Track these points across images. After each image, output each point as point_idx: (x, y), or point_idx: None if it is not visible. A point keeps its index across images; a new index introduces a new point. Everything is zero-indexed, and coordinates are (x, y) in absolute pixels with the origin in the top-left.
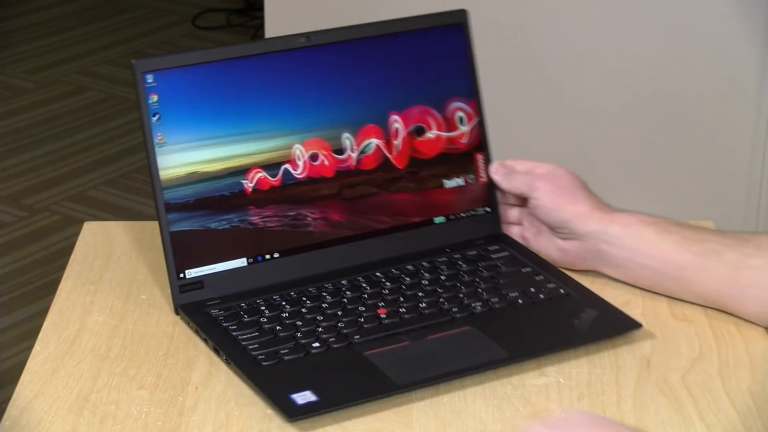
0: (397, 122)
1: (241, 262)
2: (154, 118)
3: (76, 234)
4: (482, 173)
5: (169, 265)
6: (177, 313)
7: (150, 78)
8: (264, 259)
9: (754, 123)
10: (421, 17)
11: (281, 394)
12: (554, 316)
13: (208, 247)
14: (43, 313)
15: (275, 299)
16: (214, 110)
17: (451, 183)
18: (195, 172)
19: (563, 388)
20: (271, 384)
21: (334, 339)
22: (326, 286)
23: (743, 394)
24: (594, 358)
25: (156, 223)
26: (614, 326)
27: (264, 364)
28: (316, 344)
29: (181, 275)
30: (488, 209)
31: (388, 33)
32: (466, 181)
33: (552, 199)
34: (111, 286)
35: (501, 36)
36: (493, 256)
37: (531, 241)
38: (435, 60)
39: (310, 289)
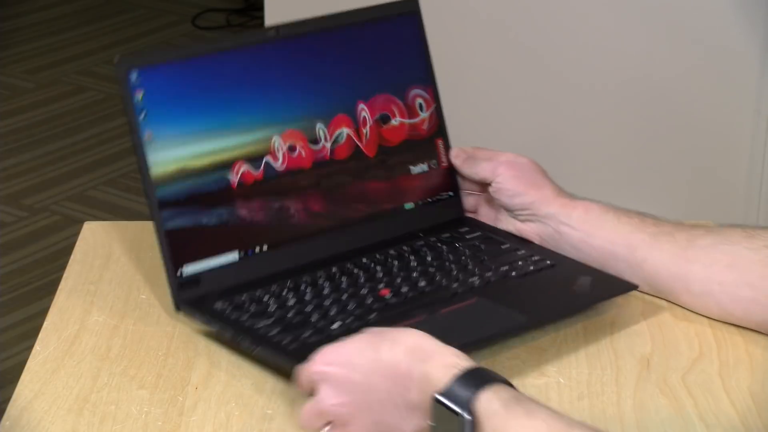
0: (364, 111)
1: (233, 257)
2: (141, 116)
3: (76, 234)
4: (443, 158)
5: (166, 263)
6: (178, 310)
7: (134, 75)
8: (254, 253)
9: (754, 123)
10: (375, 7)
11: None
12: (552, 284)
13: (202, 242)
14: (43, 313)
15: (274, 290)
16: (196, 104)
17: (416, 169)
18: (184, 168)
19: (563, 388)
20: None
21: (350, 320)
22: (319, 274)
23: (743, 394)
24: (594, 358)
25: None
26: (613, 287)
27: (290, 348)
28: (335, 326)
29: (178, 273)
30: (451, 194)
31: (346, 23)
32: (429, 167)
33: (516, 183)
34: (111, 286)
35: (501, 35)
36: (468, 236)
37: (493, 221)
38: (392, 48)
39: (305, 278)
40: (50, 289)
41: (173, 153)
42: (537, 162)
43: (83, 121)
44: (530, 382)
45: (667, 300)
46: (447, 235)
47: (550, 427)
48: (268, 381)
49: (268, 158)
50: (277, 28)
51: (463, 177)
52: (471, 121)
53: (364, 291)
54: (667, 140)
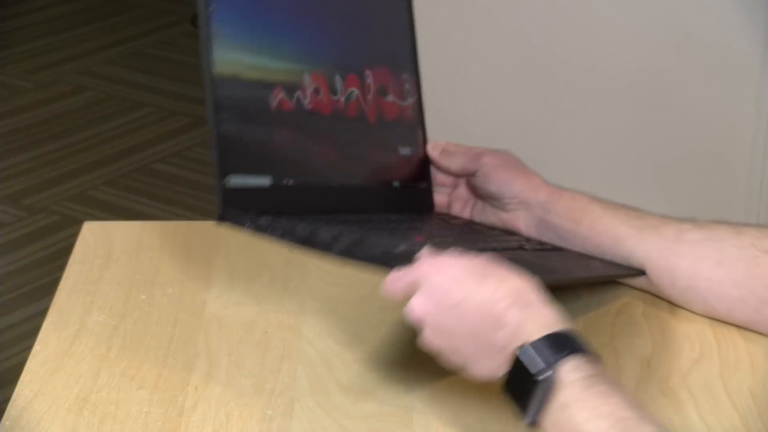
0: (369, 78)
1: (266, 181)
2: (210, 7)
3: (76, 234)
4: (420, 149)
5: (215, 168)
6: (222, 219)
7: None
8: (281, 184)
9: (754, 123)
10: None
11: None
12: (566, 259)
13: (245, 156)
14: (43, 313)
15: (308, 218)
16: (260, 15)
17: (403, 150)
18: (239, 75)
19: None
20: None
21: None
22: (349, 217)
23: (744, 395)
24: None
25: (157, 223)
26: (620, 268)
27: (395, 251)
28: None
29: (225, 180)
30: (424, 185)
31: None
32: (411, 152)
33: (503, 172)
34: (111, 286)
35: (503, 35)
36: (454, 222)
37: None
38: (387, 28)
39: (336, 216)
40: (50, 289)
41: (233, 55)
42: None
43: (83, 121)
44: None
45: (650, 293)
46: (439, 219)
47: (619, 417)
48: (268, 381)
49: (299, 93)
50: None
51: (439, 169)
52: (464, 118)
53: (401, 234)
54: (667, 140)
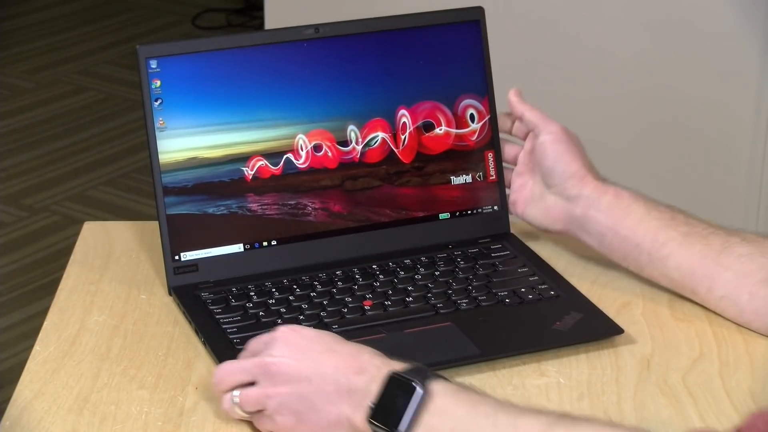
0: (405, 117)
1: (237, 248)
2: (156, 103)
3: (76, 234)
4: (492, 172)
5: (164, 247)
6: (170, 294)
7: (153, 63)
8: (261, 246)
9: (754, 123)
10: (437, 13)
11: None
12: (538, 316)
13: (205, 231)
14: (43, 313)
15: (267, 286)
16: (218, 97)
17: (458, 180)
18: (195, 158)
19: (563, 388)
20: None
21: (312, 327)
22: (320, 275)
23: (743, 395)
24: (594, 359)
25: (156, 223)
26: (595, 330)
27: (238, 348)
28: None
29: (176, 257)
30: (496, 207)
31: (400, 27)
32: (474, 179)
33: (565, 147)
34: (111, 286)
35: (504, 35)
36: (494, 254)
37: (520, 192)
38: (448, 56)
39: (303, 277)
40: (50, 289)
41: (185, 142)
42: None
43: (83, 121)
44: (530, 382)
45: (681, 295)
46: (474, 250)
47: (497, 412)
48: None
49: (289, 155)
50: (317, 27)
51: (513, 113)
52: None
53: (349, 299)
54: (667, 140)
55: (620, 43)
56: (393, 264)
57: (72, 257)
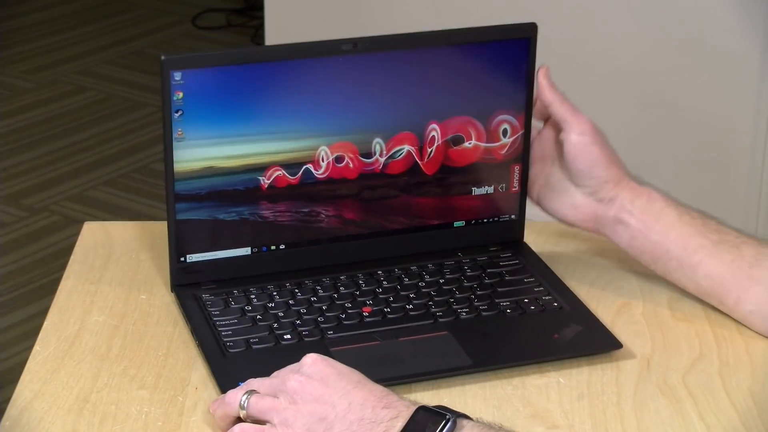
0: (434, 131)
1: (245, 251)
2: (177, 114)
3: (76, 234)
4: (515, 183)
5: (170, 249)
6: (173, 291)
7: (177, 75)
8: (268, 250)
9: (754, 123)
10: (487, 29)
11: (232, 381)
12: (537, 328)
13: (214, 235)
14: (43, 313)
15: (268, 288)
16: (240, 110)
17: (479, 191)
18: (211, 167)
19: (563, 388)
20: (226, 371)
21: (307, 332)
22: (323, 280)
23: (743, 394)
24: (594, 358)
25: (156, 223)
26: (593, 344)
27: (230, 351)
28: (288, 336)
29: (182, 259)
30: (513, 216)
31: (446, 44)
32: (496, 190)
33: (599, 150)
34: (111, 286)
35: None
36: (502, 263)
37: (535, 178)
38: (490, 73)
39: (306, 281)
40: (50, 289)
41: (202, 152)
42: None
43: (83, 121)
44: (530, 382)
45: (708, 302)
46: (483, 258)
47: None
48: None
49: (308, 166)
50: (356, 42)
51: (541, 96)
52: None
53: (349, 305)
54: (667, 140)
55: (620, 44)
56: (399, 270)
57: (72, 257)
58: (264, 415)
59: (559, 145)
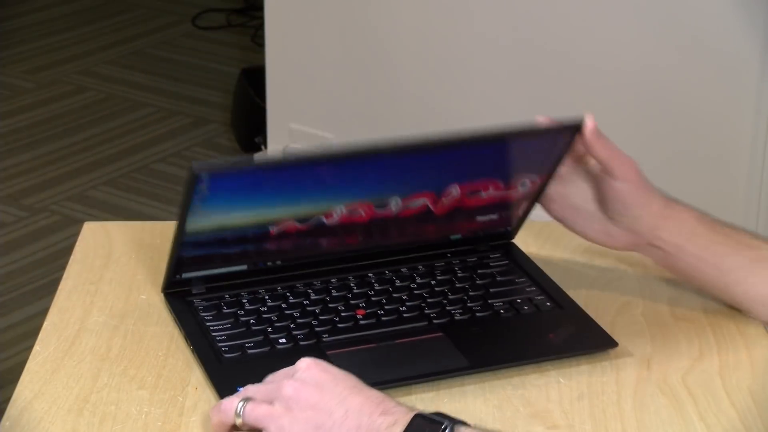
0: (454, 189)
1: (241, 267)
2: (197, 204)
3: (76, 234)
4: (521, 212)
5: (168, 269)
6: (163, 293)
7: (205, 176)
8: (265, 265)
9: (754, 123)
10: (537, 130)
11: (229, 387)
12: (531, 329)
13: (213, 260)
14: (43, 313)
15: (260, 292)
16: (263, 198)
17: (484, 218)
18: (224, 227)
19: (563, 388)
20: (223, 376)
21: (303, 336)
22: (314, 283)
23: (743, 394)
24: (594, 358)
25: (156, 223)
26: (588, 343)
27: (225, 356)
28: (283, 340)
29: (178, 276)
30: (509, 228)
31: (490, 141)
32: (500, 216)
33: (643, 194)
34: (111, 286)
35: (503, 35)
36: (492, 264)
37: (562, 199)
38: (526, 157)
39: (297, 284)
40: (50, 289)
41: (217, 219)
42: None
43: (83, 121)
44: (530, 382)
45: (684, 295)
46: (473, 259)
47: None
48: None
49: (320, 217)
50: (397, 146)
51: (588, 147)
52: (465, 118)
53: (342, 308)
54: (667, 140)
55: (620, 44)
56: (390, 272)
57: (72, 257)
58: (260, 423)
59: (592, 176)
